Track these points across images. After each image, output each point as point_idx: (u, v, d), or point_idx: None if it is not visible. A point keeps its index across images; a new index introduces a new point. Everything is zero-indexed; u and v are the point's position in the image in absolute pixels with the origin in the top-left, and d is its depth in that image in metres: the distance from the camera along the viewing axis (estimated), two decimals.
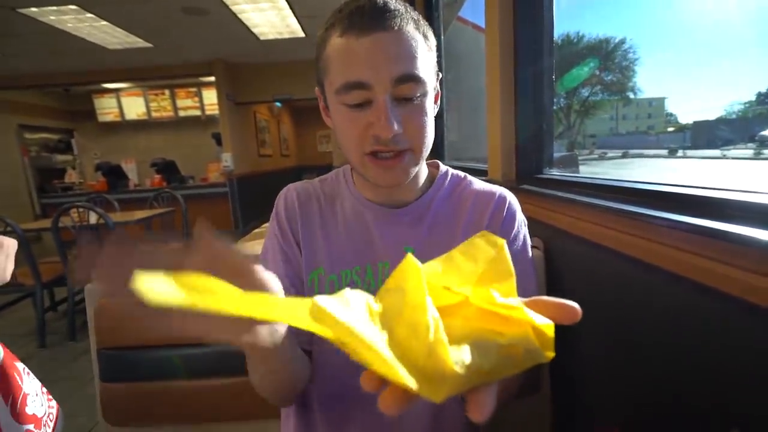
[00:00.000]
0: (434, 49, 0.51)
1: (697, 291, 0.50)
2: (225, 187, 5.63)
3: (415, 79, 0.46)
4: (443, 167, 0.62)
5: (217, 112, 5.75)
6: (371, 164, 0.50)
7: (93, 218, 2.56)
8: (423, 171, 0.59)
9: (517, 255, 0.56)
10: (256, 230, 2.16)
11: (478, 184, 0.61)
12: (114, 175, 5.69)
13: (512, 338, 0.25)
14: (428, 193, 0.58)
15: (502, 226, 0.57)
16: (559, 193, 0.86)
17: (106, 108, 6.63)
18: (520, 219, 0.59)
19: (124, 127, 6.88)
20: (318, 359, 0.59)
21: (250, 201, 6.08)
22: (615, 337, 0.68)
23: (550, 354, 0.25)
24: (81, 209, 2.51)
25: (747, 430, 0.35)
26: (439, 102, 0.54)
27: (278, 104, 7.68)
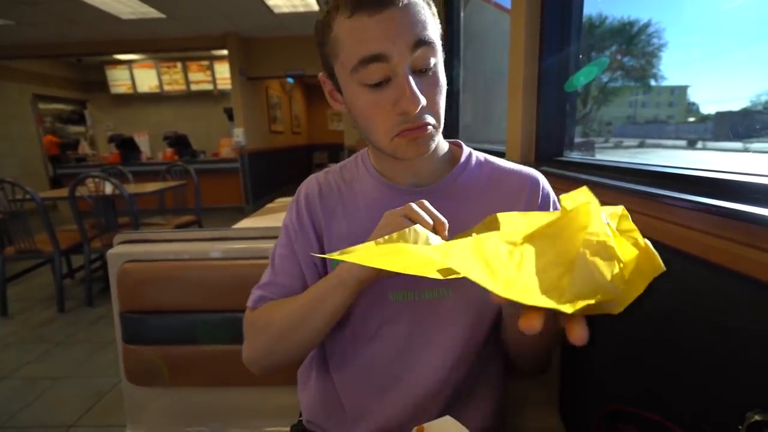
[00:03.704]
0: (437, 15, 0.51)
1: (711, 271, 0.50)
2: (236, 162, 5.65)
3: (428, 42, 0.46)
4: (466, 148, 0.61)
5: (229, 86, 5.72)
6: (401, 141, 0.49)
7: (108, 189, 2.60)
8: (442, 147, 0.58)
9: None
10: (269, 205, 2.18)
11: (507, 164, 0.60)
12: (127, 147, 5.74)
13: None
14: (453, 172, 0.58)
15: (541, 206, 0.56)
16: (581, 176, 0.85)
17: (119, 80, 6.62)
18: (554, 198, 0.59)
19: (136, 99, 6.89)
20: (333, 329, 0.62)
21: (261, 177, 6.11)
22: (628, 319, 0.68)
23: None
24: (96, 179, 2.55)
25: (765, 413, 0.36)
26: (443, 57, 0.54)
27: (290, 80, 7.60)
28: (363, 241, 0.47)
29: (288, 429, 0.73)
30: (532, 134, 1.14)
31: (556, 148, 1.09)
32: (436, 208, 0.57)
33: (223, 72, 6.21)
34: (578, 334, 0.28)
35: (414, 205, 0.44)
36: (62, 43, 5.36)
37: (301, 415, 0.73)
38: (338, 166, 0.64)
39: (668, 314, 0.60)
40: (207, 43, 5.44)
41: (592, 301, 0.26)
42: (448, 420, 0.38)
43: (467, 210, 0.56)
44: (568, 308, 0.25)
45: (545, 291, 0.27)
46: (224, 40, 5.37)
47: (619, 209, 0.32)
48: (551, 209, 0.56)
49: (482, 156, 0.61)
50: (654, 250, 0.29)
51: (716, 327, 0.52)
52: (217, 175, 5.65)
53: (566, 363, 0.88)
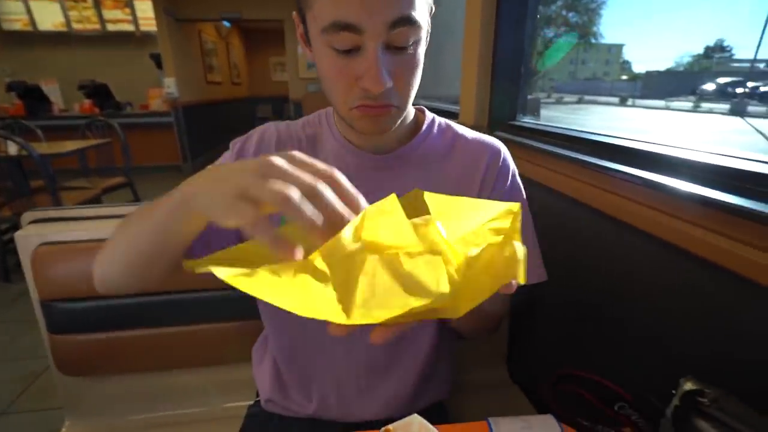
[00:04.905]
0: None
1: (649, 241, 0.52)
2: (169, 116, 5.11)
3: (411, 22, 0.41)
4: (429, 114, 0.58)
5: (154, 28, 5.01)
6: (358, 115, 0.46)
7: (12, 149, 2.24)
8: (408, 115, 0.56)
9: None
10: (210, 166, 2.00)
11: (469, 132, 0.59)
12: (32, 97, 4.92)
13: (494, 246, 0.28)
14: (416, 140, 0.56)
15: (498, 177, 0.56)
16: (533, 143, 0.85)
17: (12, 13, 5.52)
18: (514, 170, 0.58)
19: (38, 39, 5.83)
20: (268, 311, 0.61)
21: (198, 132, 5.61)
22: (575, 284, 0.72)
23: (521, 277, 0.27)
24: None
25: (700, 378, 0.39)
26: (427, 39, 0.49)
27: (227, 24, 6.84)
28: None
29: (245, 408, 0.72)
30: (485, 97, 1.12)
31: (509, 111, 1.08)
32: (397, 176, 0.53)
33: (145, 11, 5.40)
34: (378, 337, 0.27)
35: (282, 162, 0.29)
36: None
37: (258, 395, 0.71)
38: (300, 120, 0.59)
39: (612, 284, 0.64)
40: None
41: (400, 311, 0.25)
42: (414, 418, 0.37)
43: (426, 177, 0.55)
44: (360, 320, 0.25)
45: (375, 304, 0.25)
46: None
47: (516, 206, 0.32)
48: (508, 182, 0.57)
49: (444, 122, 0.59)
50: (521, 260, 0.27)
51: (657, 298, 0.56)
52: (148, 131, 5.08)
53: (514, 323, 0.93)
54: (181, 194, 0.34)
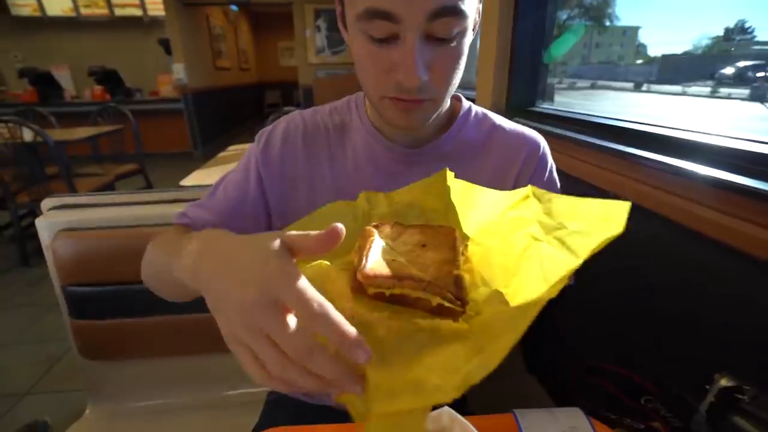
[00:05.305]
0: None
1: (678, 230, 0.50)
2: (179, 102, 5.10)
3: (456, 12, 0.38)
4: (465, 102, 0.56)
5: (162, 13, 4.96)
6: (390, 105, 0.44)
7: (28, 135, 2.25)
8: (443, 109, 0.53)
9: None
10: (221, 154, 1.99)
11: (506, 123, 0.56)
12: (44, 84, 4.93)
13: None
14: (450, 132, 0.53)
15: (536, 170, 0.54)
16: (556, 130, 0.83)
17: None
18: (552, 165, 0.56)
19: (47, 24, 5.82)
20: None
21: (208, 119, 5.60)
22: (596, 274, 0.71)
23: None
24: (11, 124, 2.19)
25: (734, 374, 0.38)
26: (478, 28, 0.46)
27: (234, 8, 6.74)
28: (347, 198, 0.40)
29: (264, 394, 0.72)
30: (504, 80, 1.09)
31: (528, 97, 1.05)
32: (429, 171, 0.49)
33: None
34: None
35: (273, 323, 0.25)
36: None
37: None
38: (327, 106, 0.57)
39: (636, 273, 0.62)
40: None
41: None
42: (444, 410, 0.36)
43: (459, 171, 0.52)
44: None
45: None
46: None
47: (527, 190, 0.35)
48: (545, 176, 0.54)
49: (481, 111, 0.57)
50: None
51: (687, 289, 0.54)
52: (158, 118, 5.08)
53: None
54: (193, 280, 0.31)
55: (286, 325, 0.24)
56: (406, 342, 0.27)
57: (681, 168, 0.53)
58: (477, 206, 0.37)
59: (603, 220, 0.27)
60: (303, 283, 0.25)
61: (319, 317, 0.24)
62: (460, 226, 0.36)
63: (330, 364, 0.24)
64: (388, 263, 0.30)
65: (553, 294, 0.25)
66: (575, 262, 0.26)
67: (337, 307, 0.24)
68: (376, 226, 0.34)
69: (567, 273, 0.25)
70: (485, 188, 0.37)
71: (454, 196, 0.37)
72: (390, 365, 0.25)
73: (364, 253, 0.30)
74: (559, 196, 0.33)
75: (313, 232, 0.27)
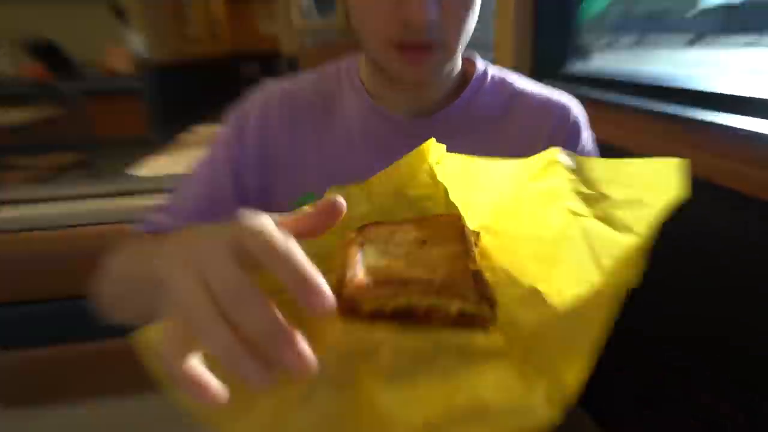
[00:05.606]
0: None
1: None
2: (137, 80, 5.07)
3: None
4: (481, 63, 0.56)
5: None
6: (396, 57, 0.45)
7: None
8: (455, 67, 0.54)
9: None
10: (185, 135, 1.97)
11: (531, 87, 0.55)
12: None
13: None
14: (463, 97, 0.53)
15: (566, 145, 0.50)
16: (595, 95, 0.78)
17: None
18: (589, 135, 0.55)
19: None
20: None
21: (171, 97, 5.58)
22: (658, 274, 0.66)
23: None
24: None
25: None
26: None
27: None
28: (338, 182, 0.36)
29: None
30: (526, 36, 1.04)
31: (558, 55, 1.00)
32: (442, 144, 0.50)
33: None
34: None
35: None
36: None
37: None
38: (312, 75, 0.57)
39: (710, 275, 0.58)
40: None
41: None
42: None
43: (473, 146, 0.50)
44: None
45: None
46: None
47: (554, 152, 0.32)
48: (580, 144, 0.53)
49: (499, 73, 0.57)
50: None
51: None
52: (110, 98, 5.07)
53: None
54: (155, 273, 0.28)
55: (227, 263, 0.21)
56: (423, 369, 0.23)
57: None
58: (484, 184, 0.35)
59: (654, 185, 0.25)
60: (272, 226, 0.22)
61: (281, 252, 0.21)
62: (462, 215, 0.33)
63: (263, 312, 0.20)
64: (384, 269, 0.28)
65: (620, 286, 0.22)
66: (634, 241, 0.23)
67: (322, 342, 0.22)
68: (359, 231, 0.32)
69: (628, 256, 0.23)
70: (493, 159, 0.34)
71: (449, 176, 0.35)
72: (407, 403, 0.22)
73: (350, 264, 0.28)
74: (594, 158, 0.31)
75: (305, 207, 0.26)
